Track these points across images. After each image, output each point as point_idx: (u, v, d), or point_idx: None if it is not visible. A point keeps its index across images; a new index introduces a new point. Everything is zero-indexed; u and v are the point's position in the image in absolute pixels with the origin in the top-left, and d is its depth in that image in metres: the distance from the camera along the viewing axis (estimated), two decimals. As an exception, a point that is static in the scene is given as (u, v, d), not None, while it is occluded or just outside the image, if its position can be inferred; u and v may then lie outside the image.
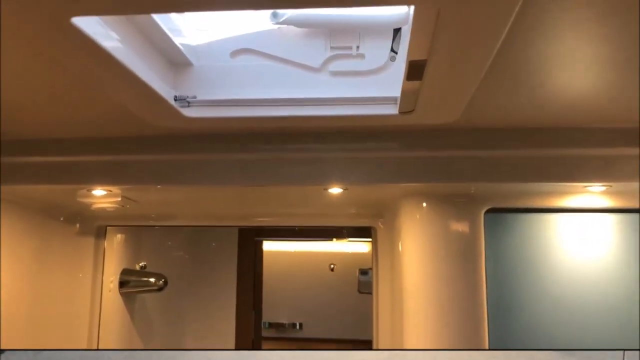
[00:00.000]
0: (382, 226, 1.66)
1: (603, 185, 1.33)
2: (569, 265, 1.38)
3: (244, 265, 2.41)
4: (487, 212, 1.41)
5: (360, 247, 3.02)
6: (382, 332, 1.69)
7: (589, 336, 1.35)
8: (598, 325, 1.35)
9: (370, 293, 2.30)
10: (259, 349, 2.43)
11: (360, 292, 2.25)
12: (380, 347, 1.70)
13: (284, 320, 2.94)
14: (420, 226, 1.46)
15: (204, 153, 1.38)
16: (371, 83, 1.19)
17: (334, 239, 2.96)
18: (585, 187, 1.35)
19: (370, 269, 2.23)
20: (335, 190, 1.43)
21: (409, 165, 1.34)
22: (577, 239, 1.39)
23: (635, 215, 1.38)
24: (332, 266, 2.44)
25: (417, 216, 1.47)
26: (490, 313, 1.36)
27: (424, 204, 1.45)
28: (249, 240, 2.42)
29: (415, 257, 1.46)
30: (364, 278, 2.23)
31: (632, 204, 1.37)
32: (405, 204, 1.48)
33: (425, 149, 1.31)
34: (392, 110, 1.17)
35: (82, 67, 0.96)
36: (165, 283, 1.98)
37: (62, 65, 0.95)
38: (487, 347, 1.33)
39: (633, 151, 1.26)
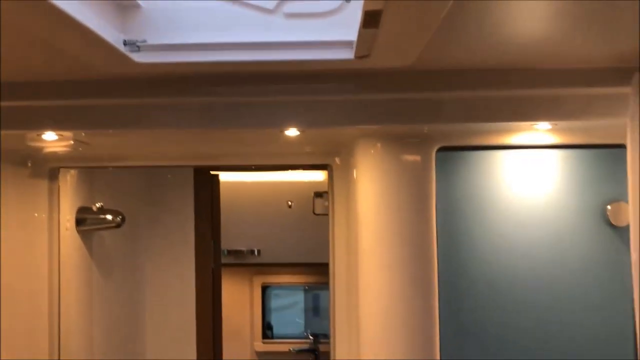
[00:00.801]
0: (338, 163, 1.69)
1: (550, 123, 1.38)
2: (517, 200, 1.45)
3: (201, 197, 2.43)
4: (439, 150, 1.45)
5: (315, 175, 3.06)
6: (338, 256, 1.75)
7: (535, 268, 1.43)
8: (544, 254, 1.44)
9: (326, 214, 2.36)
10: (219, 276, 2.48)
11: (315, 213, 2.29)
12: (335, 271, 1.77)
13: (243, 248, 2.99)
14: (375, 165, 1.50)
15: (158, 97, 1.36)
16: (326, 26, 1.18)
17: (290, 170, 2.98)
18: (533, 125, 1.40)
19: (326, 192, 2.28)
20: (292, 132, 1.44)
21: (365, 108, 1.36)
22: (525, 175, 1.45)
23: (579, 151, 1.45)
24: (290, 203, 2.48)
25: (372, 153, 1.50)
26: (440, 245, 1.43)
27: (379, 144, 1.48)
28: (205, 174, 2.42)
29: (370, 193, 1.50)
30: (319, 200, 2.26)
31: (577, 140, 1.44)
32: (360, 144, 1.51)
33: (380, 91, 1.33)
34: (348, 54, 1.17)
35: (20, 13, 0.91)
36: (123, 220, 1.99)
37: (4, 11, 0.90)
38: (436, 274, 1.41)
39: (578, 91, 1.32)
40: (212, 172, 2.44)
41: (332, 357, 1.78)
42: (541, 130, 1.42)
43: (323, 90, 1.33)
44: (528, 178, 1.45)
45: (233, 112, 1.37)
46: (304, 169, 2.19)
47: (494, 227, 1.43)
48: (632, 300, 1.40)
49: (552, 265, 1.42)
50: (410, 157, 1.46)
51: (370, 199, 1.51)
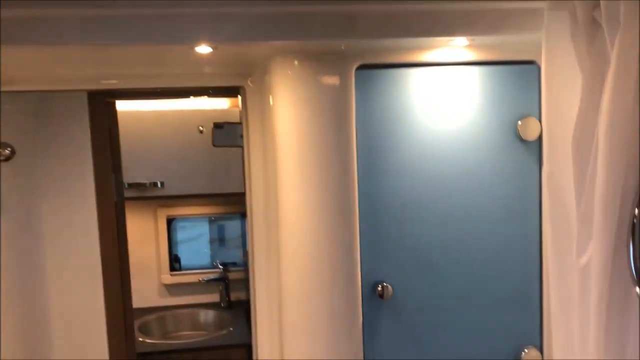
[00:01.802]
0: (251, 85, 1.61)
1: (467, 39, 1.38)
2: (433, 117, 1.46)
3: (97, 127, 2.25)
4: (358, 68, 1.41)
5: (219, 103, 2.95)
6: (255, 185, 1.71)
7: (450, 183, 1.47)
8: (459, 170, 1.47)
9: (226, 146, 2.29)
10: (122, 211, 2.36)
11: (215, 145, 2.21)
12: (253, 197, 1.73)
13: (145, 180, 2.86)
14: (292, 84, 1.44)
15: (43, 8, 1.20)
16: None
17: (192, 97, 2.84)
18: (450, 41, 1.40)
19: (226, 123, 2.20)
20: (204, 49, 1.34)
21: (281, 22, 1.28)
22: (441, 92, 1.45)
23: (492, 68, 1.46)
24: (201, 128, 2.37)
25: (289, 73, 1.44)
26: (359, 165, 1.42)
27: (296, 62, 1.42)
28: (101, 101, 2.24)
29: (288, 115, 1.45)
30: (219, 132, 2.18)
31: (491, 57, 1.45)
32: (276, 62, 1.44)
33: (297, 3, 1.25)
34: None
35: None
36: (13, 152, 1.82)
37: None
38: (356, 194, 1.40)
39: (495, 5, 1.32)
40: (109, 100, 2.27)
41: (251, 285, 1.77)
42: (458, 47, 1.42)
43: (236, 3, 1.23)
44: (444, 95, 1.46)
45: (137, 25, 1.24)
46: (211, 95, 2.08)
47: (412, 144, 1.44)
48: (540, 210, 1.49)
49: (466, 180, 1.46)
50: (329, 76, 1.41)
51: (288, 121, 1.47)
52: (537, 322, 1.52)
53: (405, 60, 1.44)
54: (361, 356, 1.43)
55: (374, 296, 1.42)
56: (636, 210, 1.05)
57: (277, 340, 1.68)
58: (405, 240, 1.45)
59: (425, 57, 1.44)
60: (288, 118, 1.46)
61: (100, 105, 2.25)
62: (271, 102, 1.56)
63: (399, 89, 1.44)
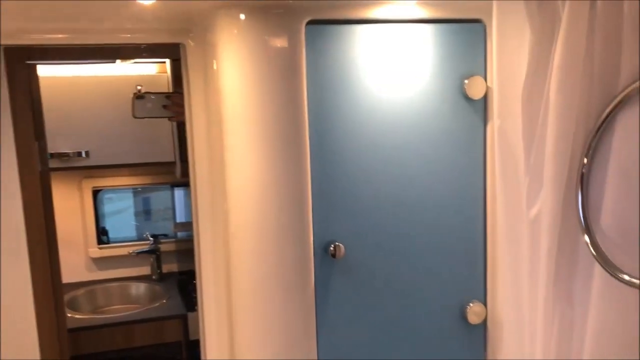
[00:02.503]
0: (192, 43, 1.53)
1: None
2: (383, 76, 1.45)
3: (17, 90, 2.09)
4: (308, 24, 1.38)
5: (147, 69, 2.82)
6: (198, 151, 1.64)
7: (399, 142, 1.47)
8: (408, 128, 1.47)
9: (148, 117, 2.20)
10: (48, 181, 2.22)
11: (135, 116, 2.12)
12: (196, 166, 1.67)
13: (68, 150, 2.71)
14: (239, 41, 1.38)
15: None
16: None
17: (118, 61, 2.70)
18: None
19: (147, 93, 2.10)
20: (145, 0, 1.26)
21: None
22: (391, 50, 1.44)
23: (440, 26, 1.47)
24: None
25: (235, 31, 1.38)
26: (311, 124, 1.40)
27: (242, 16, 1.36)
28: (20, 63, 2.08)
29: (235, 74, 1.40)
30: (139, 102, 2.09)
31: (439, 14, 1.46)
32: (220, 17, 1.37)
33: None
34: None
35: None
36: None
37: None
38: (308, 156, 1.38)
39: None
40: (29, 62, 2.11)
41: (196, 255, 1.72)
42: (407, 3, 1.41)
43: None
44: (393, 54, 1.45)
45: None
46: (146, 56, 1.96)
47: (362, 103, 1.43)
48: (484, 167, 1.52)
49: (414, 137, 1.48)
50: (278, 32, 1.36)
51: (234, 82, 1.41)
52: (482, 277, 1.57)
53: (354, 16, 1.41)
54: (313, 315, 1.43)
55: (326, 256, 1.42)
56: (585, 160, 1.09)
57: (224, 308, 1.64)
58: (356, 200, 1.44)
59: (374, 13, 1.42)
60: (234, 79, 1.40)
61: (20, 66, 2.09)
62: (215, 64, 1.49)
63: (348, 47, 1.42)
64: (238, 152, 1.40)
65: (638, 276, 0.99)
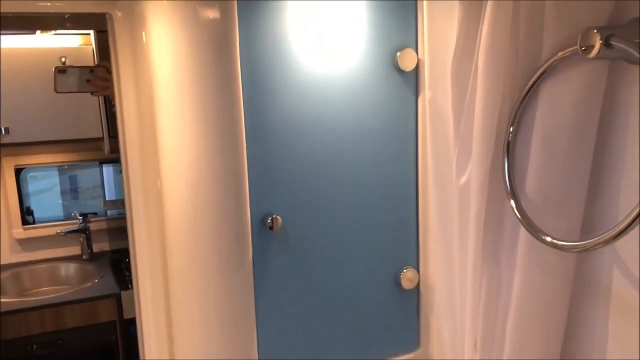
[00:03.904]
0: (119, 13, 1.47)
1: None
2: (315, 49, 1.45)
3: None
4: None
5: (70, 41, 2.70)
6: (128, 127, 1.59)
7: (332, 115, 1.48)
8: (341, 101, 1.49)
9: (71, 92, 2.12)
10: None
11: (57, 91, 2.04)
12: (127, 142, 1.62)
13: (-14, 126, 2.57)
14: (169, 11, 1.34)
15: None
16: None
17: (38, 32, 2.57)
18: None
19: (70, 66, 2.02)
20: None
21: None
22: (323, 24, 1.44)
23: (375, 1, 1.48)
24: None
25: (165, 2, 1.34)
26: (245, 97, 1.38)
27: (171, -14, 1.32)
28: None
29: (165, 46, 1.36)
30: (61, 77, 2.01)
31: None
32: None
33: None
34: None
35: None
36: None
37: None
38: (243, 132, 1.37)
39: None
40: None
41: (129, 233, 1.68)
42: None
43: None
44: (326, 28, 1.45)
45: None
46: (70, 27, 1.88)
47: (294, 78, 1.43)
48: (416, 137, 1.56)
49: (348, 109, 1.49)
50: (210, 3, 1.33)
51: (164, 57, 1.37)
52: (414, 244, 1.63)
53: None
54: (252, 289, 1.43)
55: (263, 228, 1.42)
56: (510, 129, 1.14)
57: (160, 286, 1.62)
58: (292, 174, 1.45)
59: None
60: (164, 51, 1.36)
61: None
62: (144, 36, 1.45)
63: (280, 22, 1.41)
64: (170, 128, 1.38)
65: (559, 238, 1.05)
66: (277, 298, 1.48)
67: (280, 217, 1.42)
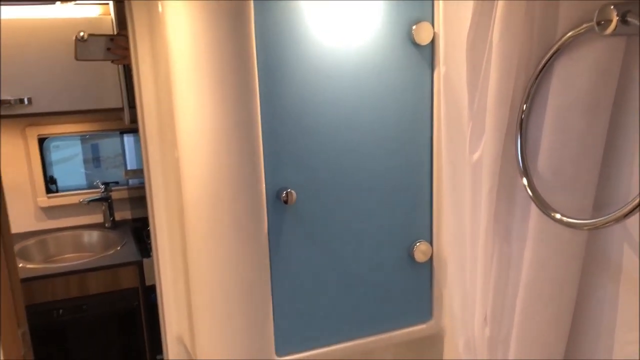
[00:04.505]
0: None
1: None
2: (330, 24, 1.44)
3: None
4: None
5: (90, 11, 2.72)
6: (145, 97, 1.62)
7: (348, 88, 1.48)
8: (357, 75, 1.49)
9: (91, 60, 2.14)
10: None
11: (77, 59, 2.07)
12: (145, 115, 1.65)
13: (9, 97, 2.61)
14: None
15: None
16: None
17: (58, 2, 2.59)
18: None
19: (90, 35, 2.04)
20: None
21: None
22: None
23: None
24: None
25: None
26: (260, 71, 1.39)
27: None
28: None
29: (181, 17, 1.37)
30: (82, 45, 2.03)
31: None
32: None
33: None
34: None
35: None
36: None
37: None
38: (258, 106, 1.38)
39: None
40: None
41: (148, 202, 1.73)
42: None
43: None
44: (341, 2, 1.44)
45: None
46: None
47: (310, 53, 1.42)
48: (431, 111, 1.56)
49: (364, 83, 1.49)
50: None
51: (180, 29, 1.38)
52: (428, 218, 1.64)
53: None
54: (267, 260, 1.46)
55: (278, 202, 1.45)
56: (524, 106, 1.14)
57: (179, 254, 1.67)
58: (306, 148, 1.46)
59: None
60: (180, 22, 1.37)
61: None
62: (160, 6, 1.46)
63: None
64: (187, 99, 1.40)
65: (571, 215, 1.06)
66: (291, 270, 1.51)
67: (294, 191, 1.44)
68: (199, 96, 1.37)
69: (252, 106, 1.38)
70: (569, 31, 1.04)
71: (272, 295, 1.49)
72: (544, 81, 1.11)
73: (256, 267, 1.46)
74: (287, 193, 1.43)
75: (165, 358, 1.86)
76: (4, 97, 2.61)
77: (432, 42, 1.51)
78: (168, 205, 1.70)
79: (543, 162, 1.13)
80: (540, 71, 1.10)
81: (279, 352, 1.54)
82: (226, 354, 1.50)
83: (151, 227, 1.77)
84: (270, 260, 1.47)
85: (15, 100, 2.62)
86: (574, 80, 1.06)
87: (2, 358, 1.73)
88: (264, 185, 1.42)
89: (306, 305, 1.55)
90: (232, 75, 1.36)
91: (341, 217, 1.54)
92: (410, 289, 1.68)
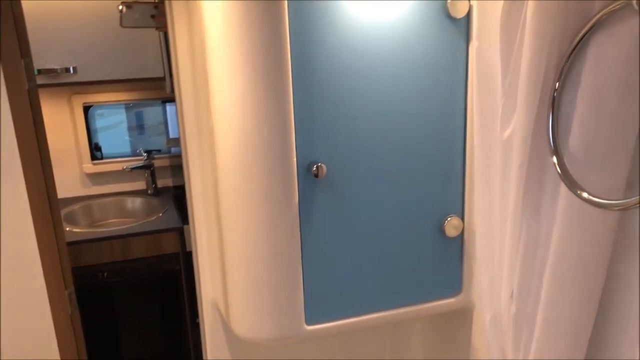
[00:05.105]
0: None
1: None
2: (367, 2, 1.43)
3: (-1, 8, 2.06)
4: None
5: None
6: (182, 67, 1.65)
7: (382, 65, 1.48)
8: (391, 42, 1.47)
9: (136, 27, 2.18)
10: (36, 98, 2.24)
11: (123, 26, 2.10)
12: (181, 84, 1.68)
13: (56, 66, 2.69)
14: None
15: None
16: None
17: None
18: None
19: (135, 2, 2.07)
20: None
21: None
22: None
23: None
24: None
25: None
26: (292, 41, 1.39)
27: None
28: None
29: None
30: (128, 12, 2.07)
31: None
32: None
33: None
34: None
35: None
36: None
37: None
38: (290, 79, 1.39)
39: None
40: (8, -24, 2.06)
41: (185, 170, 1.77)
42: None
43: None
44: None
45: None
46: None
47: (344, 25, 1.42)
48: (465, 86, 1.55)
49: (397, 56, 1.48)
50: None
51: (216, 2, 1.40)
52: (460, 192, 1.63)
53: None
54: (298, 233, 1.49)
55: (308, 175, 1.47)
56: (557, 84, 1.12)
57: (214, 222, 1.71)
58: (338, 120, 1.47)
59: None
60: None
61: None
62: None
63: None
64: (220, 71, 1.42)
65: (602, 196, 1.05)
66: (321, 242, 1.54)
67: (325, 165, 1.46)
68: (231, 68, 1.39)
69: (284, 79, 1.39)
70: (605, 7, 1.01)
71: (302, 265, 1.53)
72: (578, 58, 1.08)
73: (287, 237, 1.49)
74: (317, 167, 1.45)
75: (200, 322, 1.93)
76: (51, 66, 2.69)
77: (468, 16, 1.48)
78: (203, 173, 1.74)
79: (575, 141, 1.11)
80: (575, 48, 1.08)
81: (309, 321, 1.58)
82: (257, 322, 1.55)
83: (187, 195, 1.82)
84: (301, 231, 1.50)
85: (61, 69, 2.71)
86: (609, 57, 1.04)
87: (50, 316, 1.83)
88: (295, 157, 1.44)
89: (336, 276, 1.58)
90: (264, 47, 1.38)
91: (372, 192, 1.56)
92: (441, 263, 1.69)
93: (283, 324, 1.56)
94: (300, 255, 1.52)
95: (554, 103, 1.13)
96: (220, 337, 1.89)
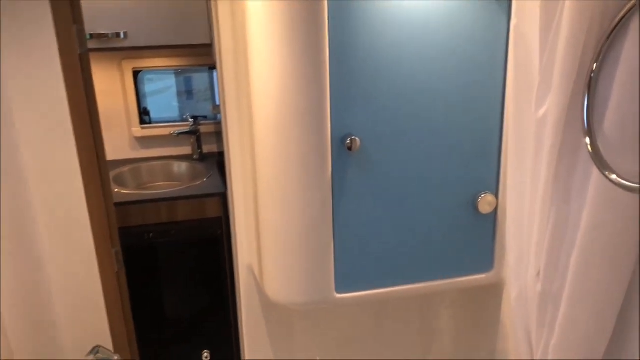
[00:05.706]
0: None
1: None
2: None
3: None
4: None
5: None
6: (223, 35, 1.69)
7: (425, 41, 1.47)
8: (430, 19, 1.47)
9: None
10: (88, 63, 2.32)
11: None
12: (222, 49, 1.72)
13: (107, 31, 2.77)
14: None
15: None
16: None
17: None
18: None
19: None
20: None
21: None
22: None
23: None
24: None
25: None
26: (330, 17, 1.40)
27: None
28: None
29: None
30: None
31: None
32: None
33: None
34: None
35: None
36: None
37: None
38: (327, 53, 1.41)
39: None
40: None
41: (224, 137, 1.82)
42: None
43: None
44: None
45: None
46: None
47: (384, 3, 1.42)
48: (505, 64, 1.53)
49: (435, 32, 1.47)
50: None
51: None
52: (495, 170, 1.63)
53: None
54: (330, 205, 1.53)
55: (342, 149, 1.49)
56: (594, 65, 1.10)
57: (251, 189, 1.76)
58: (373, 95, 1.48)
59: None
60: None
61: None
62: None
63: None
64: (260, 39, 1.45)
65: (630, 178, 1.04)
66: (353, 215, 1.57)
67: (359, 138, 1.47)
68: (270, 39, 1.42)
69: (322, 51, 1.41)
70: (647, -14, 0.98)
71: (334, 235, 1.56)
72: (617, 39, 1.06)
73: (319, 208, 1.53)
74: (351, 140, 1.47)
75: (237, 285, 2.00)
76: (102, 31, 2.77)
77: (510, -9, 1.46)
78: (242, 140, 1.79)
79: (610, 123, 1.10)
80: (614, 29, 1.05)
81: (338, 288, 1.62)
82: (288, 288, 1.60)
83: (226, 161, 1.87)
84: (333, 202, 1.53)
85: (112, 34, 2.78)
86: (650, 38, 1.01)
87: (98, 273, 1.93)
88: (329, 129, 1.47)
89: (367, 247, 1.61)
90: (302, 21, 1.40)
91: (406, 166, 1.57)
92: (473, 239, 1.70)
93: (313, 290, 1.60)
94: (332, 225, 1.55)
95: (591, 84, 1.11)
96: (254, 300, 1.96)
